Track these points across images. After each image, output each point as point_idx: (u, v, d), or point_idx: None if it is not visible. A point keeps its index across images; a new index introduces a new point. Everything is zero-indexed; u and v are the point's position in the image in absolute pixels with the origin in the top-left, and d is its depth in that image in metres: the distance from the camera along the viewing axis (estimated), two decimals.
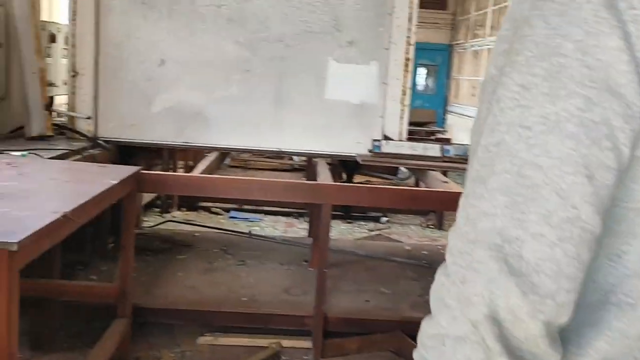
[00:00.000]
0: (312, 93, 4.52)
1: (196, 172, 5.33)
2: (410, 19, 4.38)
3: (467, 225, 0.64)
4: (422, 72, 15.84)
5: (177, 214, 7.11)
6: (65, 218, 2.15)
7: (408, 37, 4.40)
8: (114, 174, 3.02)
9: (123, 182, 2.94)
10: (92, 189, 2.59)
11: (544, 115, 0.61)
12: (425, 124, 10.18)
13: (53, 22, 5.86)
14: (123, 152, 4.68)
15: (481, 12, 13.72)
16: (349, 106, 4.55)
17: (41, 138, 4.25)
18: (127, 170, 3.16)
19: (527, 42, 0.63)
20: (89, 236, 4.44)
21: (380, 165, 4.88)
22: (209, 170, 7.33)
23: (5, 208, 2.18)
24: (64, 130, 4.54)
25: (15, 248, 1.79)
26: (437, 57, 15.58)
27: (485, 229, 0.62)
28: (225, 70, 4.53)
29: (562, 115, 0.60)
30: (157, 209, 7.10)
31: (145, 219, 6.57)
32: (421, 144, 4.54)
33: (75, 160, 3.66)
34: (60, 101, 6.48)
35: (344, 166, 5.65)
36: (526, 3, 0.65)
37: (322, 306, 3.62)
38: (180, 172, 7.48)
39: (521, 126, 0.62)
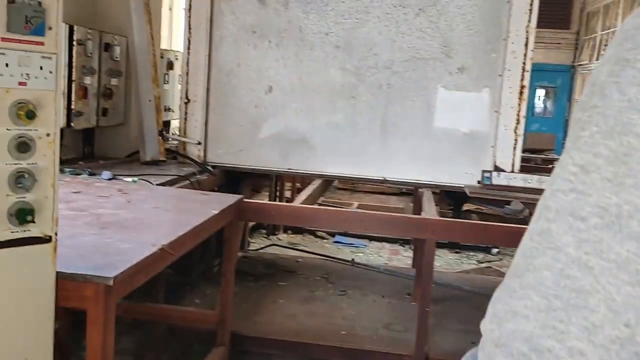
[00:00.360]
0: (420, 121, 4.39)
1: (302, 197, 5.35)
2: (526, 44, 4.15)
3: (492, 323, 0.55)
4: (540, 93, 15.14)
5: (283, 237, 7.19)
6: (163, 251, 2.17)
7: (524, 63, 4.16)
8: (216, 203, 3.05)
9: (224, 212, 2.96)
10: (192, 220, 2.62)
11: (602, 206, 0.50)
12: (542, 150, 9.65)
13: (172, 50, 6.15)
14: (230, 177, 4.78)
15: (608, 31, 12.90)
16: (458, 135, 4.37)
17: (154, 163, 4.44)
18: (228, 200, 3.19)
19: (596, 114, 0.53)
20: (196, 258, 4.57)
21: (490, 198, 4.62)
22: (314, 194, 7.35)
23: (109, 238, 2.25)
24: (176, 155, 4.71)
25: (111, 283, 1.82)
26: (557, 79, 14.83)
27: (511, 332, 0.52)
28: (331, 97, 4.51)
29: (626, 209, 0.48)
30: (264, 230, 7.21)
31: (252, 240, 6.70)
32: (535, 176, 4.26)
33: (183, 187, 3.77)
34: (176, 124, 6.78)
35: (451, 197, 5.43)
36: (606, 66, 0.54)
37: (424, 346, 3.45)
38: (288, 194, 7.58)
39: (573, 216, 0.51)
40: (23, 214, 1.67)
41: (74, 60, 3.93)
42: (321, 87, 4.52)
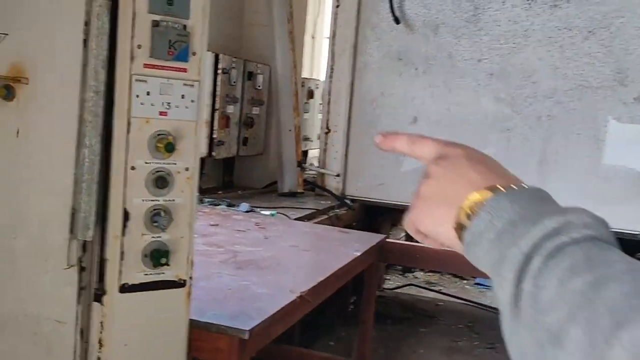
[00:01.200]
0: (586, 157, 3.92)
1: None
2: None
3: None
4: None
5: (419, 274, 6.83)
6: (302, 299, 1.97)
7: None
8: (357, 243, 2.83)
9: (366, 253, 2.73)
10: (332, 262, 2.41)
11: None
12: None
13: (313, 79, 6.11)
14: (369, 212, 4.56)
15: None
16: (632, 174, 3.83)
17: (292, 194, 4.33)
18: (370, 239, 2.96)
19: None
20: (331, 296, 4.37)
21: None
22: None
23: (245, 280, 2.09)
24: (314, 186, 4.59)
25: (246, 336, 1.64)
26: None
27: None
28: (483, 128, 4.17)
29: None
30: (399, 267, 6.90)
31: (387, 277, 6.41)
32: None
33: (321, 221, 3.59)
34: (314, 154, 6.71)
35: (622, 244, 4.80)
36: None
37: None
38: None
39: None
40: (158, 256, 1.54)
41: (218, 88, 3.93)
42: (471, 118, 4.19)
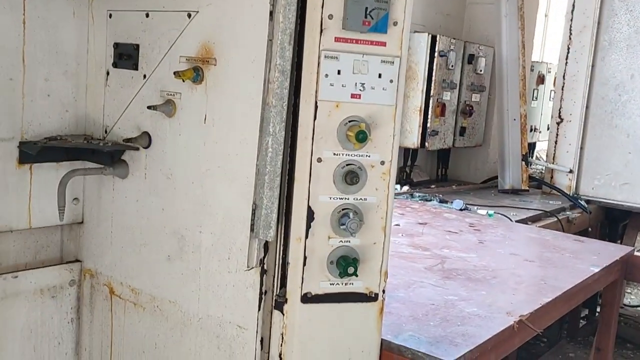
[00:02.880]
0: None
1: None
2: None
3: None
4: None
5: None
6: (521, 325, 1.63)
7: None
8: (594, 255, 2.37)
9: (607, 269, 2.26)
10: (563, 279, 2.01)
11: None
12: None
13: (544, 62, 5.50)
14: (609, 216, 3.93)
15: None
16: None
17: (514, 192, 3.89)
18: (612, 251, 2.46)
19: None
20: None
21: None
22: None
23: (452, 295, 1.80)
24: (540, 184, 4.08)
25: None
26: None
27: None
28: None
29: None
30: None
31: (628, 289, 5.58)
32: None
33: (548, 225, 3.13)
34: (542, 147, 6.09)
35: None
36: None
37: None
38: None
39: None
40: (345, 264, 1.33)
41: (434, 73, 3.64)
42: None
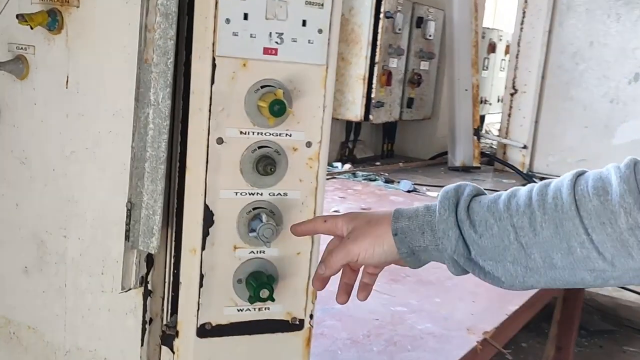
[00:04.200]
0: None
1: None
2: None
3: None
4: None
5: None
6: (485, 344, 1.32)
7: None
8: None
9: None
10: None
11: None
12: None
13: (495, 29, 5.24)
14: None
15: None
16: None
17: (465, 169, 3.62)
18: None
19: None
20: None
21: None
22: None
23: (400, 305, 1.48)
24: (492, 160, 3.83)
25: None
26: None
27: None
28: None
29: None
30: None
31: None
32: None
33: None
34: (492, 121, 5.87)
35: None
36: None
37: None
38: None
39: None
40: (258, 284, 0.98)
41: (379, 37, 3.30)
42: None
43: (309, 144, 1.00)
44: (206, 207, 0.96)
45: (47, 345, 1.20)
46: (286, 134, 0.98)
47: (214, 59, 0.92)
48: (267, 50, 0.94)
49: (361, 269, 0.98)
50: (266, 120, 0.94)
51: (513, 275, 0.81)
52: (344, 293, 0.98)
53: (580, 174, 0.78)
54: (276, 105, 0.92)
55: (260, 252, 1.00)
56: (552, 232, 0.76)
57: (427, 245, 0.85)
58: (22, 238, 1.20)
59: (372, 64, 3.31)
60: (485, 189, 2.54)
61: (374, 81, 3.35)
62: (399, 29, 3.44)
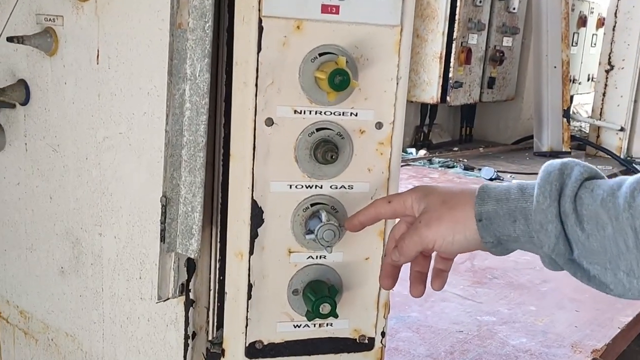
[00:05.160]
0: None
1: None
2: None
3: None
4: None
5: None
6: None
7: None
8: None
9: None
10: None
11: None
12: None
13: (586, 1, 4.85)
14: None
15: None
16: None
17: (553, 154, 3.33)
18: None
19: None
20: None
21: None
22: None
23: (489, 314, 1.28)
24: (584, 144, 3.52)
25: None
26: None
27: None
28: None
29: None
30: None
31: None
32: None
33: None
34: (579, 102, 5.49)
35: None
36: None
37: None
38: None
39: None
40: (317, 297, 0.81)
41: (457, 11, 3.05)
42: None
43: (379, 125, 0.81)
44: (254, 203, 0.80)
45: (85, 356, 1.08)
46: (351, 113, 0.80)
47: (260, 21, 0.75)
48: (326, 9, 0.76)
49: (434, 254, 0.80)
50: (325, 96, 0.77)
51: (626, 287, 0.63)
52: (419, 283, 0.80)
53: None
54: (338, 76, 0.74)
55: (320, 257, 0.83)
56: None
57: (519, 236, 0.69)
58: (57, 235, 1.09)
59: (449, 40, 3.07)
60: None
61: (452, 59, 3.11)
62: (480, 2, 3.18)
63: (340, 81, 0.74)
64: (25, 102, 1.08)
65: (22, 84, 1.07)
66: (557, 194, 0.66)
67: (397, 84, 0.81)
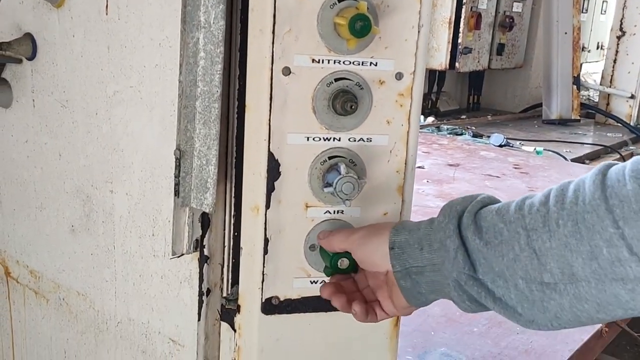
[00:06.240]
0: None
1: None
2: None
3: None
4: None
5: None
6: (610, 325, 1.10)
7: None
8: None
9: None
10: None
11: None
12: None
13: None
14: None
15: None
16: None
17: (562, 122, 3.30)
18: None
19: None
20: None
21: None
22: None
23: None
24: (594, 112, 3.48)
25: None
26: None
27: None
28: None
29: None
30: None
31: None
32: None
33: None
34: (587, 70, 5.43)
35: None
36: None
37: None
38: None
39: None
40: (335, 252, 0.79)
41: None
42: None
43: (399, 76, 0.79)
44: (270, 156, 0.78)
45: (97, 314, 1.07)
46: (371, 63, 0.77)
47: None
48: None
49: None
50: (345, 44, 0.74)
51: (528, 298, 0.63)
52: (342, 295, 0.78)
53: (613, 165, 0.61)
54: (359, 21, 0.71)
55: (337, 212, 0.82)
56: (569, 230, 0.59)
57: (425, 266, 0.70)
58: (67, 193, 1.07)
59: (459, 5, 3.01)
60: (587, 144, 2.23)
61: (461, 25, 3.06)
62: None
63: (362, 27, 0.72)
64: (32, 57, 1.05)
65: (29, 37, 1.04)
66: (458, 215, 0.68)
67: (419, 32, 0.79)
